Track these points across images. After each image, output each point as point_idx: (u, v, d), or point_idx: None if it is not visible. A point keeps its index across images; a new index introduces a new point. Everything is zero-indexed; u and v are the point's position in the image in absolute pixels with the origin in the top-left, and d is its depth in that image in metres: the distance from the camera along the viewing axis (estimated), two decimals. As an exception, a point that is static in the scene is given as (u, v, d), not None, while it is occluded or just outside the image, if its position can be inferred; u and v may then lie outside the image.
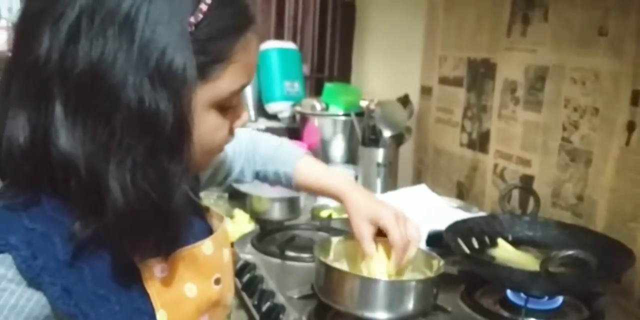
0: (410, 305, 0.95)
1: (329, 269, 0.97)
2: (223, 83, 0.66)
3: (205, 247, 0.76)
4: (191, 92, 0.61)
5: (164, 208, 0.63)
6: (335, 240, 1.09)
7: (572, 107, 1.37)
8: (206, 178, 1.02)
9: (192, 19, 0.61)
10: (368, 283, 0.94)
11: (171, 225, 0.66)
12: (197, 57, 0.61)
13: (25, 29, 0.62)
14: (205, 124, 0.67)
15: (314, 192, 1.13)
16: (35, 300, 0.62)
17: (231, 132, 0.73)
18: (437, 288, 0.98)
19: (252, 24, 0.68)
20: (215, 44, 0.63)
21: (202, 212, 0.84)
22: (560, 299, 1.11)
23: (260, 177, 1.11)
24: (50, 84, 0.59)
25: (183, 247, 0.72)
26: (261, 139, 1.12)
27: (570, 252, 0.94)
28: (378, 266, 0.96)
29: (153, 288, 0.69)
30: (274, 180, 1.11)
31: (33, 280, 0.61)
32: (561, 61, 1.39)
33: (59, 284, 0.62)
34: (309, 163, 1.10)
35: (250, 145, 1.09)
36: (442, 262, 1.01)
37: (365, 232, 0.97)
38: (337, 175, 1.08)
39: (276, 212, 1.70)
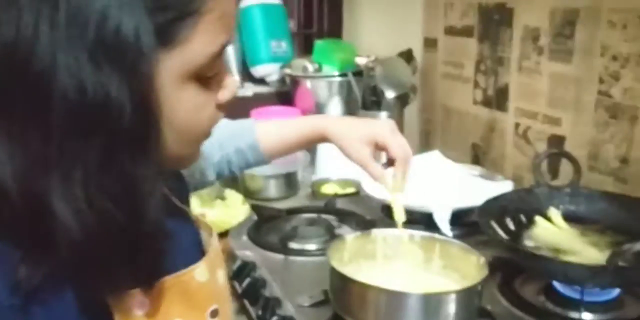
0: (450, 318, 0.77)
1: (347, 281, 0.78)
2: (196, 45, 0.49)
3: (199, 272, 0.60)
4: (151, 65, 0.46)
5: (136, 228, 0.48)
6: (349, 238, 0.90)
7: (611, 55, 1.17)
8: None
9: None
10: (398, 298, 0.75)
11: (148, 251, 0.50)
12: (153, 15, 0.45)
13: None
14: (185, 103, 0.51)
15: (292, 147, 0.97)
16: None
17: (220, 108, 0.57)
18: (481, 293, 0.80)
19: None
20: None
21: (192, 224, 0.68)
22: (617, 289, 0.94)
23: (222, 169, 0.94)
24: None
25: (168, 274, 0.56)
26: None
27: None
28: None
29: None
30: (239, 161, 0.94)
31: None
32: (595, 2, 1.18)
33: None
34: (268, 123, 0.97)
35: None
36: (482, 260, 0.83)
37: (365, 154, 0.90)
38: (305, 118, 1.00)
39: (272, 190, 1.53)
